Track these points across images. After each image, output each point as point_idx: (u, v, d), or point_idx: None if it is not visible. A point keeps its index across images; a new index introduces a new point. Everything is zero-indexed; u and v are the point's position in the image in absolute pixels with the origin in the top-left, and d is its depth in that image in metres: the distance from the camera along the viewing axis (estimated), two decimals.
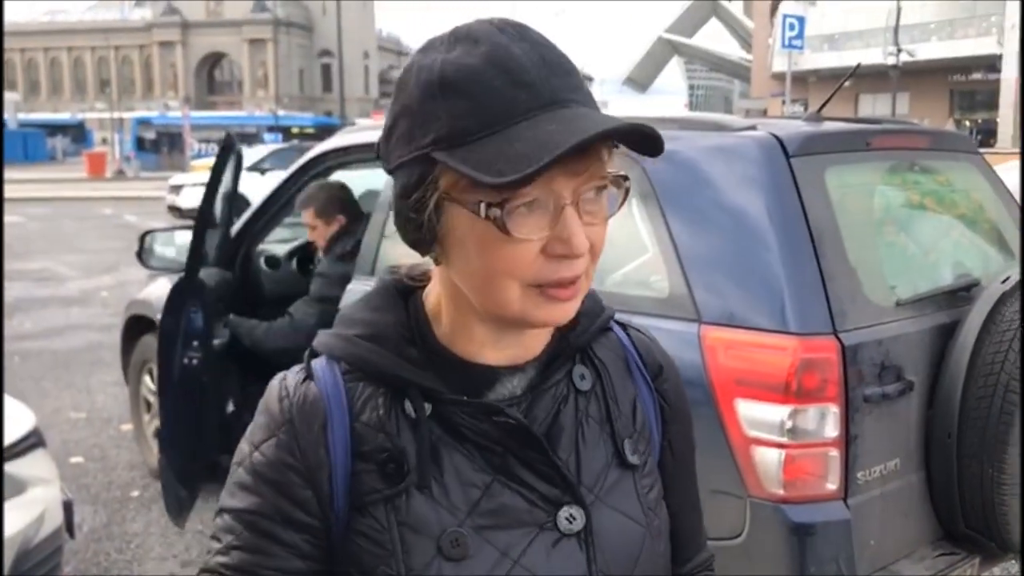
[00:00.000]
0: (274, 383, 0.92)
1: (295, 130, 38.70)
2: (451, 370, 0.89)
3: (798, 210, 2.31)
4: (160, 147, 42.92)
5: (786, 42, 18.14)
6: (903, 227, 2.77)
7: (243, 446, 0.91)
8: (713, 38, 67.51)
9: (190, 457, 3.47)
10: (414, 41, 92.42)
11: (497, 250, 0.79)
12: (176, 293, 3.40)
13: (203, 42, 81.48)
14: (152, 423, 4.70)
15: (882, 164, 2.75)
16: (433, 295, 0.91)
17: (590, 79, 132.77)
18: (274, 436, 0.88)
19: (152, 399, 4.66)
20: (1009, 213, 3.07)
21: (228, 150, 3.42)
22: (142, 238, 4.31)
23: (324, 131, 36.90)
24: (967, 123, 35.65)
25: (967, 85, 37.73)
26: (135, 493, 4.50)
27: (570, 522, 0.88)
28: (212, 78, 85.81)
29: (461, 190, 0.79)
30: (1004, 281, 2.53)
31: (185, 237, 3.99)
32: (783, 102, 25.02)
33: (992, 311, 2.45)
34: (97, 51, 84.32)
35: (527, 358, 0.91)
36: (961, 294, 2.59)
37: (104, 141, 56.16)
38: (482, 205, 0.78)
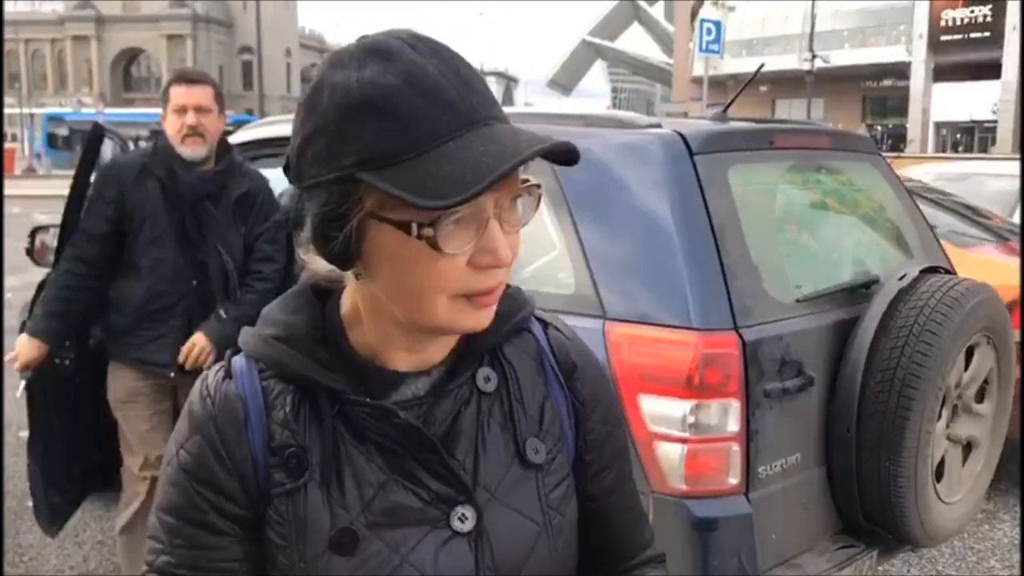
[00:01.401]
0: (197, 383, 0.96)
1: None
2: (359, 373, 0.92)
3: (701, 207, 2.32)
4: (73, 144, 41.43)
5: (704, 47, 18.46)
6: (805, 225, 2.82)
7: (170, 446, 0.95)
8: (636, 42, 68.41)
9: (65, 462, 3.32)
10: (337, 39, 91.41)
11: (426, 266, 0.82)
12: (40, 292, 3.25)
13: (119, 37, 79.10)
14: None
15: (785, 163, 2.80)
16: (349, 301, 0.94)
17: (515, 80, 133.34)
18: (198, 434, 0.92)
19: None
20: (907, 212, 3.15)
21: (98, 141, 3.26)
22: (32, 234, 4.12)
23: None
24: (878, 128, 36.86)
25: (878, 91, 39.04)
26: (31, 503, 4.31)
27: (462, 522, 0.91)
28: (128, 74, 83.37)
29: (389, 209, 0.81)
30: (901, 278, 2.59)
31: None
32: (708, 106, 25.51)
33: (889, 307, 2.51)
34: (5, 44, 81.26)
35: (432, 362, 0.94)
36: (860, 291, 2.64)
37: (13, 138, 54.10)
38: (413, 225, 0.80)
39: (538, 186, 0.86)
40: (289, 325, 0.94)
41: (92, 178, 3.12)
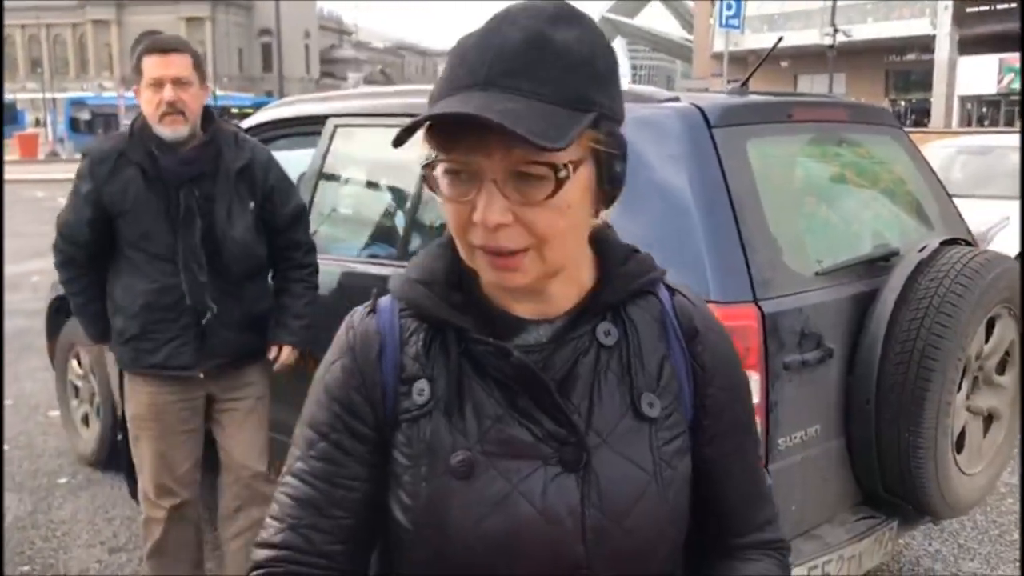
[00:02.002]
0: (348, 316, 1.08)
1: (234, 110, 38.02)
2: (486, 316, 1.00)
3: (720, 180, 2.32)
4: (95, 128, 41.77)
5: (724, 22, 18.29)
6: (824, 198, 2.81)
7: (320, 367, 1.07)
8: (655, 18, 67.81)
9: None
10: (355, 21, 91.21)
11: (447, 209, 0.94)
12: None
13: (139, 21, 79.24)
14: (80, 408, 4.59)
15: (804, 136, 2.78)
16: None
17: None
18: (340, 359, 1.04)
19: (80, 384, 4.55)
20: (927, 185, 3.13)
21: None
22: None
23: None
24: (902, 103, 36.39)
25: (902, 65, 38.48)
26: (62, 480, 4.40)
27: (571, 459, 0.97)
28: None
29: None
30: (921, 251, 2.58)
31: None
32: (728, 82, 25.26)
33: (909, 279, 2.50)
34: (27, 29, 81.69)
35: (555, 313, 1.01)
36: (880, 263, 2.64)
37: (37, 122, 54.54)
38: (429, 167, 0.92)
39: (553, 165, 0.88)
40: (430, 270, 1.04)
41: None
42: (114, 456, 4.34)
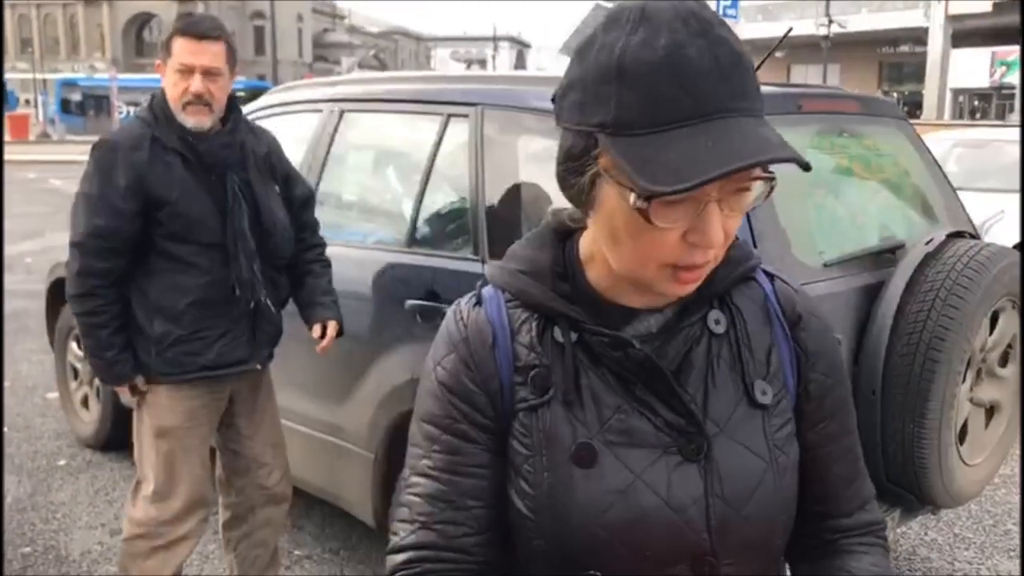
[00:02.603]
0: (450, 310, 1.07)
1: None
2: (595, 306, 1.00)
3: None
4: (86, 110, 41.59)
5: (721, 11, 18.25)
6: (832, 190, 2.83)
7: (427, 363, 1.06)
8: None
9: None
10: (348, 6, 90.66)
11: (639, 233, 0.88)
12: None
13: (131, 3, 78.82)
14: (80, 391, 4.59)
15: (812, 127, 2.80)
16: (588, 240, 1.02)
17: (527, 45, 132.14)
18: (453, 352, 1.03)
19: (79, 366, 4.55)
20: (933, 178, 3.15)
21: None
22: None
23: (256, 94, 36.05)
24: (895, 94, 36.46)
25: (895, 57, 38.59)
26: (61, 462, 4.40)
27: (692, 449, 0.97)
28: (140, 39, 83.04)
29: (617, 172, 0.87)
30: (928, 243, 2.61)
31: None
32: None
33: (916, 272, 2.53)
34: (17, 8, 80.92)
35: (663, 302, 1.00)
36: (886, 255, 2.66)
37: (27, 103, 54.15)
38: (632, 195, 0.85)
39: (772, 178, 0.87)
40: (534, 260, 1.03)
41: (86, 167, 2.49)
42: (114, 438, 4.37)
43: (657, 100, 0.83)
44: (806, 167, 0.83)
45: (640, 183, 0.82)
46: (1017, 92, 29.15)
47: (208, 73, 2.44)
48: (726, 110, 0.83)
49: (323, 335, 2.77)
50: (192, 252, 2.47)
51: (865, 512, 1.12)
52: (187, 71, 2.43)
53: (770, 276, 1.09)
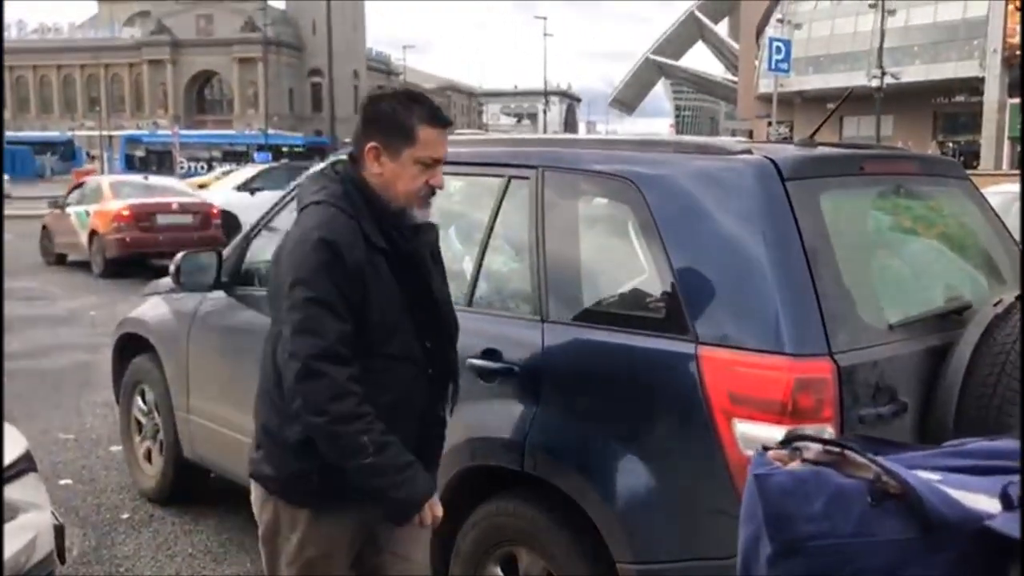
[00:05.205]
0: None
1: (285, 149, 38.80)
2: None
3: (794, 232, 2.34)
4: (149, 165, 42.82)
5: (773, 65, 18.33)
6: (896, 251, 2.80)
7: None
8: (699, 59, 68.06)
9: None
10: (402, 62, 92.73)
11: None
12: None
13: (193, 61, 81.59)
14: (143, 445, 4.68)
15: (875, 188, 2.79)
16: None
17: (577, 99, 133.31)
18: None
19: (144, 420, 4.64)
20: (998, 237, 3.11)
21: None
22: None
23: (314, 150, 37.01)
24: (950, 145, 36.03)
25: (950, 107, 38.17)
26: (125, 515, 4.47)
27: None
28: (202, 97, 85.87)
29: None
30: (996, 304, 2.56)
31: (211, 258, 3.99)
32: (769, 123, 25.22)
33: (984, 334, 2.48)
34: (87, 69, 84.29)
35: None
36: (953, 317, 2.62)
37: (93, 159, 56.03)
38: None
39: None
40: None
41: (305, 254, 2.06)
42: (175, 492, 4.44)
43: None
44: None
45: None
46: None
47: (440, 162, 2.20)
48: None
49: None
50: (383, 365, 2.14)
51: None
52: (432, 164, 2.16)
53: None
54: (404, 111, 2.12)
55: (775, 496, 1.06)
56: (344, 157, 2.26)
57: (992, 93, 32.38)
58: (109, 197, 14.32)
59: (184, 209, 14.40)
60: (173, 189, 15.91)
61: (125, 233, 13.48)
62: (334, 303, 2.04)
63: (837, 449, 0.91)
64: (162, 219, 13.88)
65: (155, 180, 16.87)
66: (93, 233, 13.90)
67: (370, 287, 2.09)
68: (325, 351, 2.03)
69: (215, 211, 14.74)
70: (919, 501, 0.97)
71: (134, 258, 13.58)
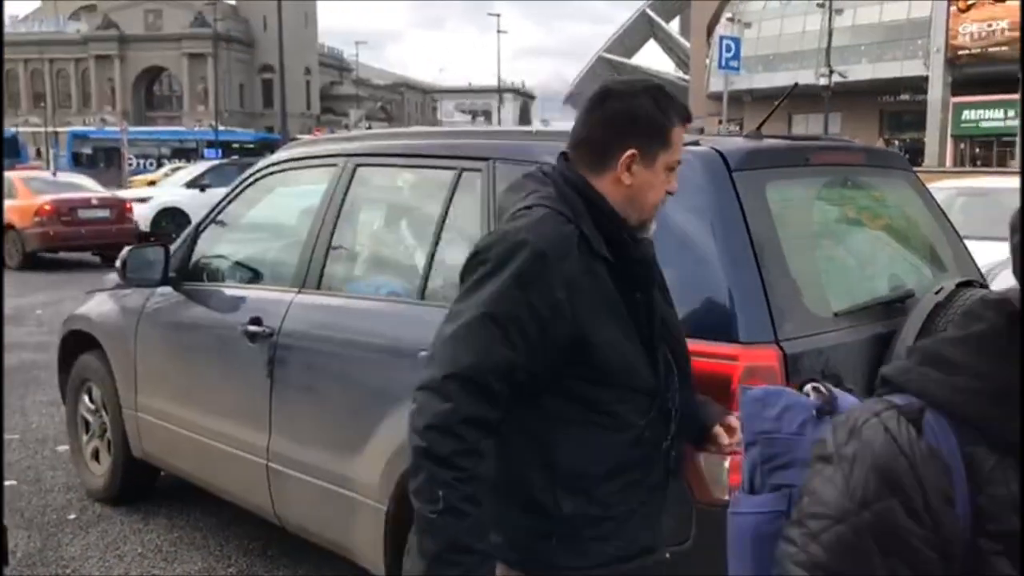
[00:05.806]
0: (873, 426, 0.86)
1: (235, 146, 38.24)
2: None
3: (741, 223, 2.37)
4: (97, 162, 41.92)
5: (723, 63, 18.50)
6: (840, 240, 2.86)
7: (846, 504, 0.85)
8: (651, 58, 68.68)
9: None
10: (355, 58, 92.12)
11: None
12: None
13: (141, 56, 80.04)
14: (91, 444, 4.59)
15: (820, 179, 2.84)
16: None
17: (531, 97, 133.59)
18: (895, 498, 0.83)
19: (91, 419, 4.56)
20: (940, 228, 3.18)
21: None
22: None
23: (264, 147, 36.51)
24: (896, 142, 36.77)
25: (895, 106, 38.98)
26: (72, 516, 4.38)
27: None
28: (151, 93, 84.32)
29: None
30: (938, 292, 2.62)
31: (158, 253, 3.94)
32: (720, 121, 25.51)
33: (926, 321, 2.54)
34: (31, 64, 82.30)
35: None
36: (896, 305, 2.68)
37: (39, 155, 54.74)
38: None
39: None
40: (997, 377, 0.86)
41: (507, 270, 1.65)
42: (124, 492, 4.36)
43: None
44: None
45: None
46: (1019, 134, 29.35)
47: None
48: None
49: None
50: (615, 399, 1.76)
51: None
52: (676, 166, 1.82)
53: None
54: (662, 109, 1.75)
55: (748, 403, 1.49)
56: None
57: (936, 92, 33.11)
58: (24, 194, 14.84)
59: (102, 203, 15.12)
60: (83, 185, 16.37)
61: (48, 227, 14.22)
62: (511, 325, 1.63)
63: (825, 391, 1.42)
64: (83, 213, 14.58)
65: (63, 176, 17.59)
66: (9, 227, 14.38)
67: (587, 306, 1.69)
68: (469, 375, 1.61)
69: (129, 206, 15.54)
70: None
71: (52, 251, 14.57)
